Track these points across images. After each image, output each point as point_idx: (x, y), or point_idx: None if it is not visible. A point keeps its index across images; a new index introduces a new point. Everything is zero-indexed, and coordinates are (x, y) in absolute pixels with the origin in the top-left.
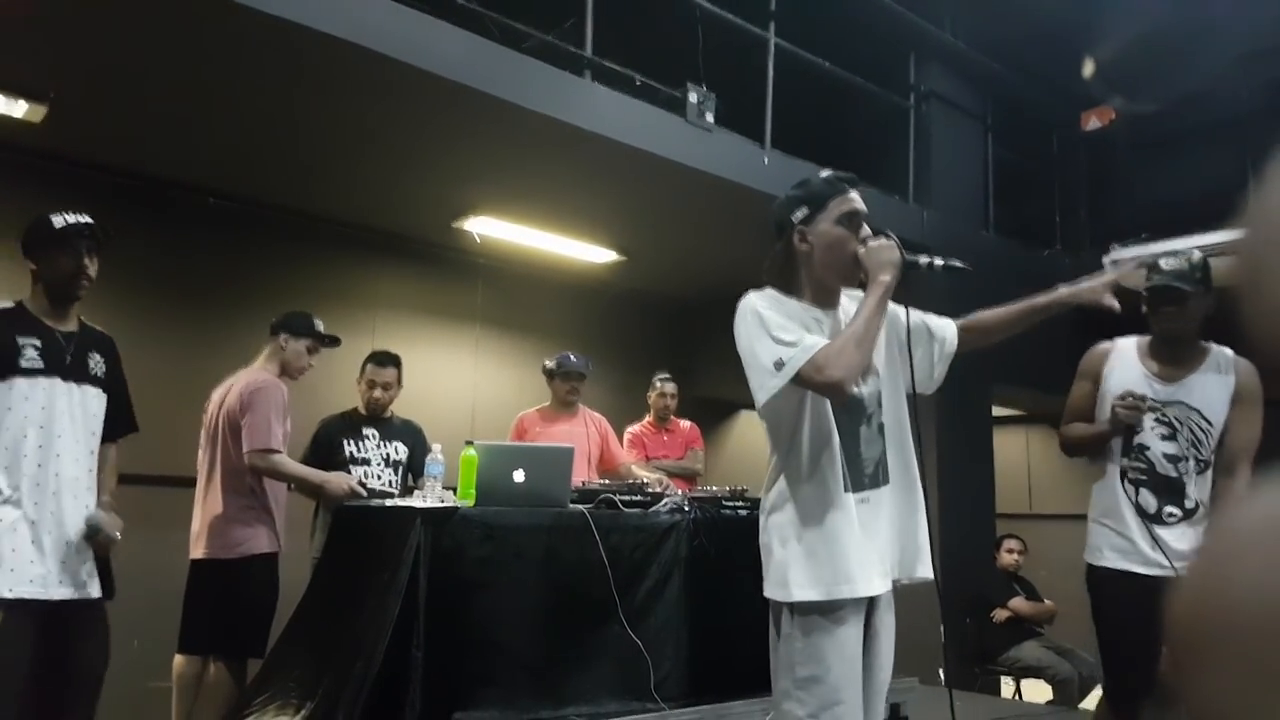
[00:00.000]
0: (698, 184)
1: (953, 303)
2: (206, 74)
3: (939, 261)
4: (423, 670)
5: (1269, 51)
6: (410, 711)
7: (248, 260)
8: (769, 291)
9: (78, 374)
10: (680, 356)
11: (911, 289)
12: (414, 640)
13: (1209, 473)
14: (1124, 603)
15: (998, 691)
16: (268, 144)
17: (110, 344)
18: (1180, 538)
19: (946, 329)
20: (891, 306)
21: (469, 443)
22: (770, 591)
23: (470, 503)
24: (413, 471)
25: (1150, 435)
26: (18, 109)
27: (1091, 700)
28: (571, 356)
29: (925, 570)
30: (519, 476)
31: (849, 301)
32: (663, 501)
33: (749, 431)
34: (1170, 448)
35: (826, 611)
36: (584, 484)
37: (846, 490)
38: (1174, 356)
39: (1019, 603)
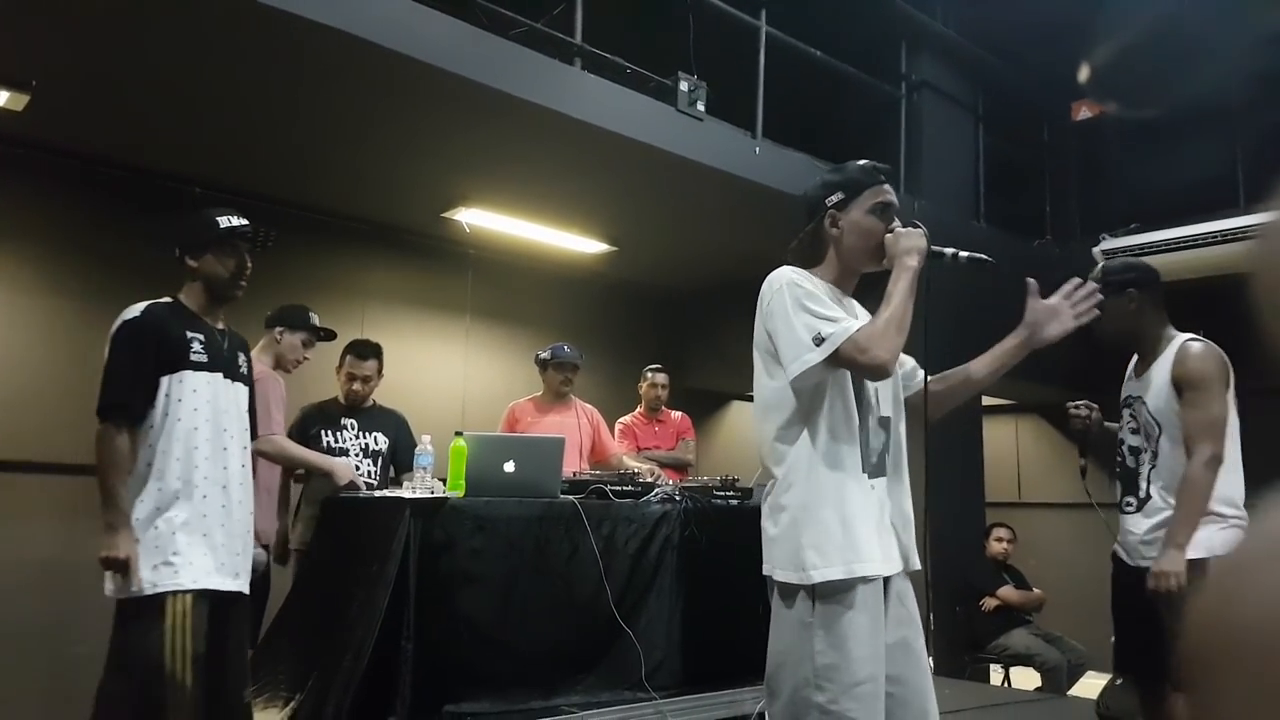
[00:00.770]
0: (688, 173)
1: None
2: (192, 63)
3: (964, 254)
4: (412, 662)
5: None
6: (400, 704)
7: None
8: (802, 270)
9: (233, 371)
10: (671, 347)
11: (930, 281)
12: (404, 632)
13: (1167, 462)
14: (1112, 587)
15: (987, 679)
16: (254, 133)
17: (247, 345)
18: (1134, 525)
19: (916, 373)
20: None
21: (458, 433)
22: (783, 575)
23: (460, 493)
24: (396, 463)
25: (1125, 430)
26: (0, 97)
27: (1080, 687)
28: (565, 347)
29: (917, 562)
30: (509, 467)
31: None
32: (654, 491)
33: (740, 422)
34: (1134, 440)
35: (846, 591)
36: (575, 474)
37: (864, 472)
38: (1141, 354)
39: (1008, 591)
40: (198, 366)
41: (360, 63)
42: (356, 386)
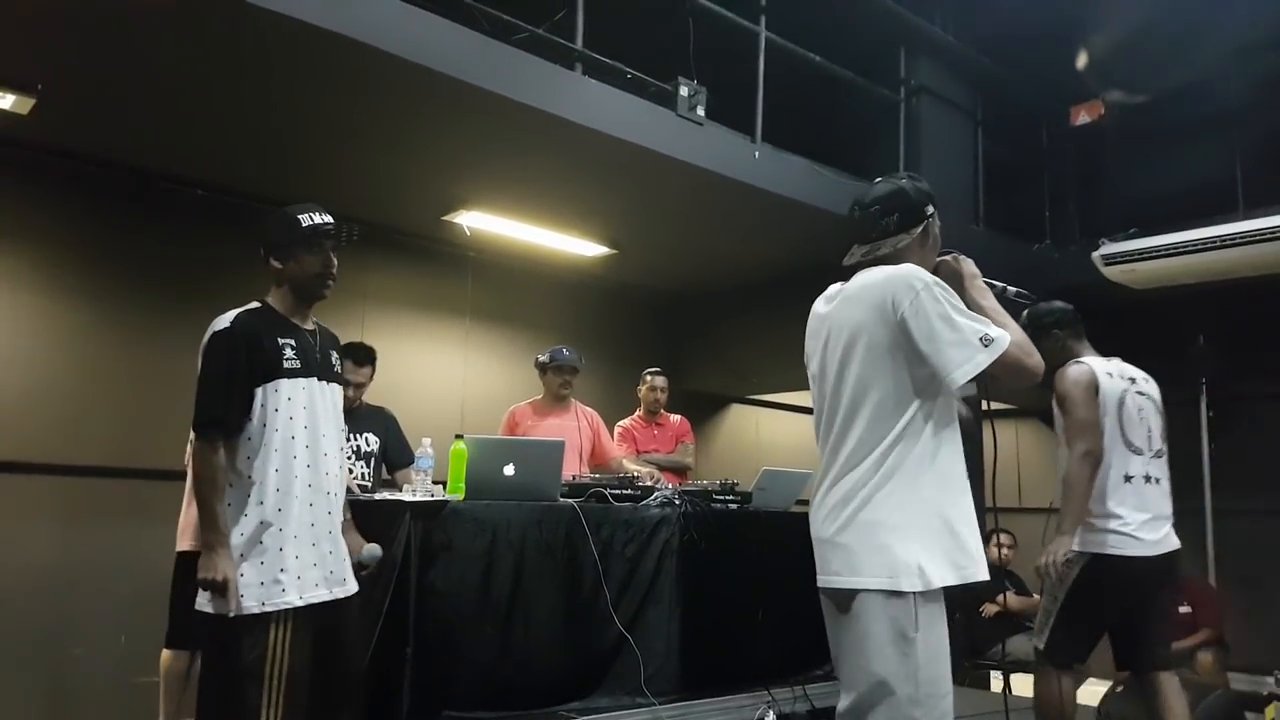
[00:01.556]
0: (688, 178)
1: None
2: (194, 67)
3: (1012, 289)
4: (412, 666)
5: (1255, 47)
6: (400, 709)
7: (236, 252)
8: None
9: (326, 372)
10: (670, 350)
11: None
12: (404, 636)
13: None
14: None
15: (987, 686)
16: (257, 136)
17: (338, 341)
18: None
19: None
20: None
21: (459, 436)
22: (889, 583)
23: (460, 497)
24: (388, 461)
25: None
26: (5, 101)
27: (1080, 694)
28: (565, 350)
29: None
30: (509, 470)
31: None
32: (653, 495)
33: (740, 425)
34: None
35: (939, 600)
36: (574, 478)
37: (966, 479)
38: None
39: (1008, 597)
40: (291, 374)
41: (363, 68)
42: (349, 392)
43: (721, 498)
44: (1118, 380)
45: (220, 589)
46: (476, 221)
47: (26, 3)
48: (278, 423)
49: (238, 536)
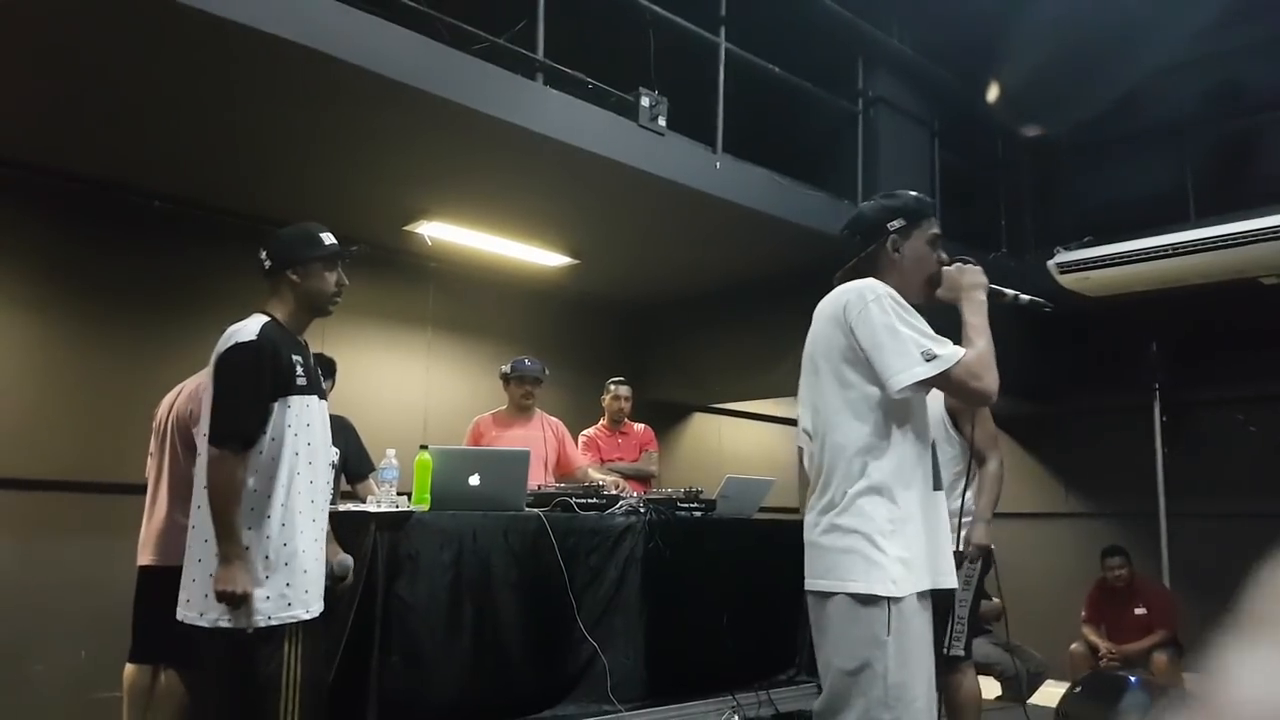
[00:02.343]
0: (650, 188)
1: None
2: (151, 75)
3: (1025, 297)
4: (379, 677)
5: (1202, 59)
6: (368, 718)
7: (194, 264)
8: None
9: (319, 390)
10: (633, 359)
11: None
12: (371, 648)
13: None
14: None
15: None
16: (214, 146)
17: (322, 358)
18: None
19: None
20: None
21: (423, 447)
22: (862, 587)
23: (425, 507)
24: (347, 471)
25: None
26: None
27: (1040, 696)
28: (526, 360)
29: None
30: (475, 481)
31: None
32: (618, 504)
33: (702, 433)
34: None
35: (917, 606)
36: (540, 487)
37: (936, 489)
38: None
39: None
40: (301, 390)
41: (323, 77)
42: None
43: (686, 505)
44: None
45: (238, 602)
46: (438, 232)
47: None
48: (287, 439)
49: (250, 552)
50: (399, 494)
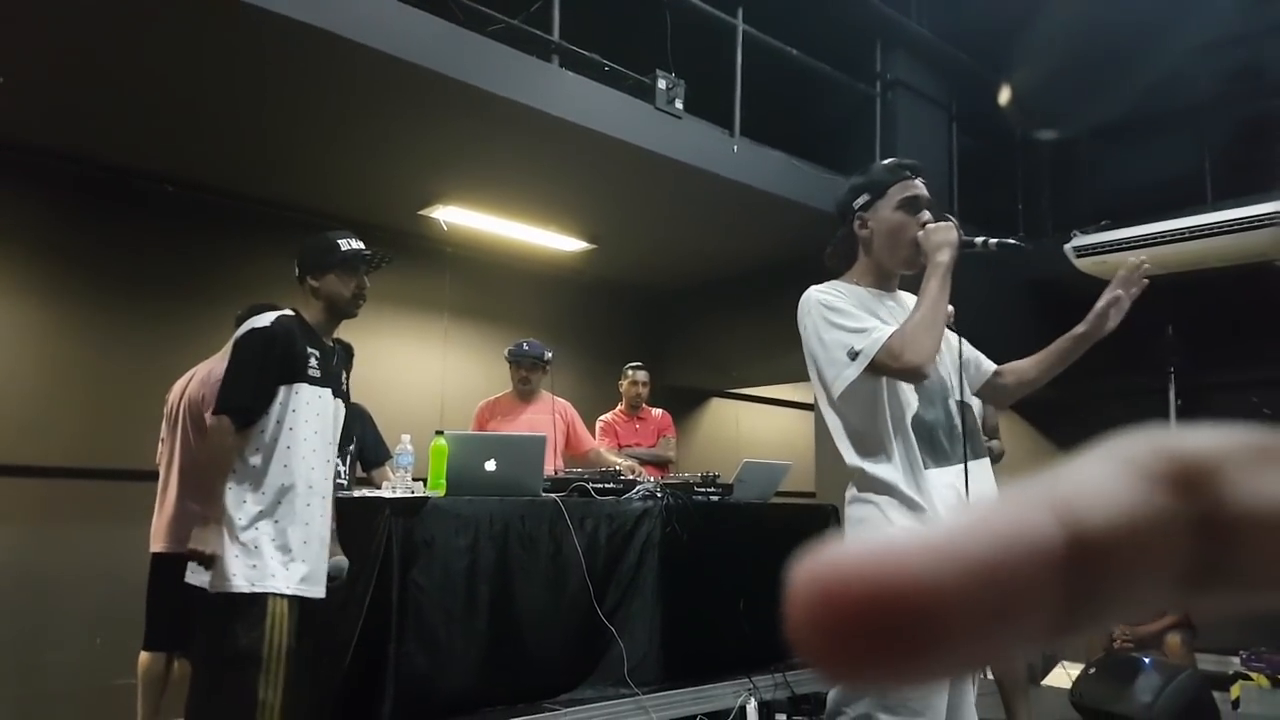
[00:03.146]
0: (667, 171)
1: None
2: (165, 60)
3: (994, 241)
4: (396, 663)
5: (1223, 41)
6: (385, 706)
7: (209, 250)
8: (831, 283)
9: (337, 388)
10: (651, 344)
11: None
12: (386, 634)
13: None
14: None
15: None
16: (229, 131)
17: (351, 360)
18: None
19: (982, 362)
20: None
21: (439, 432)
22: None
23: (441, 493)
24: (363, 458)
25: None
26: None
27: (1053, 677)
28: (525, 344)
29: None
30: (490, 466)
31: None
32: (635, 489)
33: (720, 419)
34: None
35: None
36: (556, 472)
37: (928, 467)
38: None
39: None
40: (313, 381)
41: (336, 59)
42: None
43: (703, 490)
44: None
45: (207, 562)
46: (453, 216)
47: None
48: (293, 423)
49: (237, 521)
50: (414, 479)
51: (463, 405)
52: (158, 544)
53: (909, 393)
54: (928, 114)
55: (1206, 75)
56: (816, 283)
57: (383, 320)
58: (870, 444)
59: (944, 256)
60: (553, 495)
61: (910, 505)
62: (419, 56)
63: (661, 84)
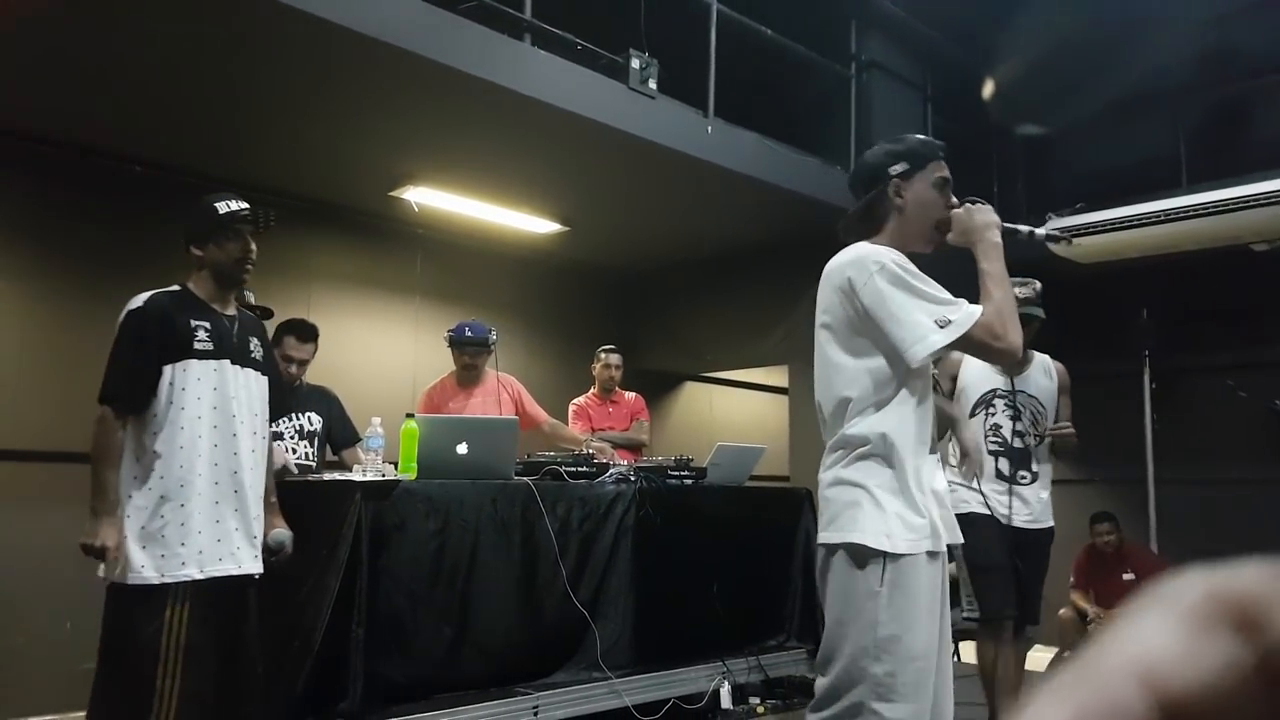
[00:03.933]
0: (640, 152)
1: None
2: (131, 37)
3: (1040, 231)
4: (364, 647)
5: (1198, 24)
6: (352, 689)
7: (177, 230)
8: (877, 246)
9: (242, 357)
10: (624, 328)
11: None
12: (355, 617)
13: (1045, 444)
14: (993, 539)
15: None
16: (196, 110)
17: (262, 328)
18: (1032, 495)
19: None
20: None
21: (410, 415)
22: (858, 539)
23: (412, 476)
24: (331, 442)
25: (1001, 416)
26: None
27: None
28: (467, 328)
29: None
30: (462, 449)
31: None
32: (609, 472)
33: (693, 402)
34: (1018, 426)
35: (917, 565)
36: (529, 455)
37: (931, 452)
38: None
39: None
40: (202, 355)
41: (304, 38)
42: (293, 369)
43: (676, 473)
44: None
45: (99, 555)
46: (424, 197)
47: None
48: (184, 401)
49: (137, 509)
50: (385, 463)
51: None
52: None
53: (930, 380)
54: (903, 96)
55: (1181, 57)
56: (791, 265)
57: (353, 302)
58: (887, 420)
59: (996, 236)
60: (525, 479)
61: (904, 490)
62: (388, 34)
63: (635, 63)
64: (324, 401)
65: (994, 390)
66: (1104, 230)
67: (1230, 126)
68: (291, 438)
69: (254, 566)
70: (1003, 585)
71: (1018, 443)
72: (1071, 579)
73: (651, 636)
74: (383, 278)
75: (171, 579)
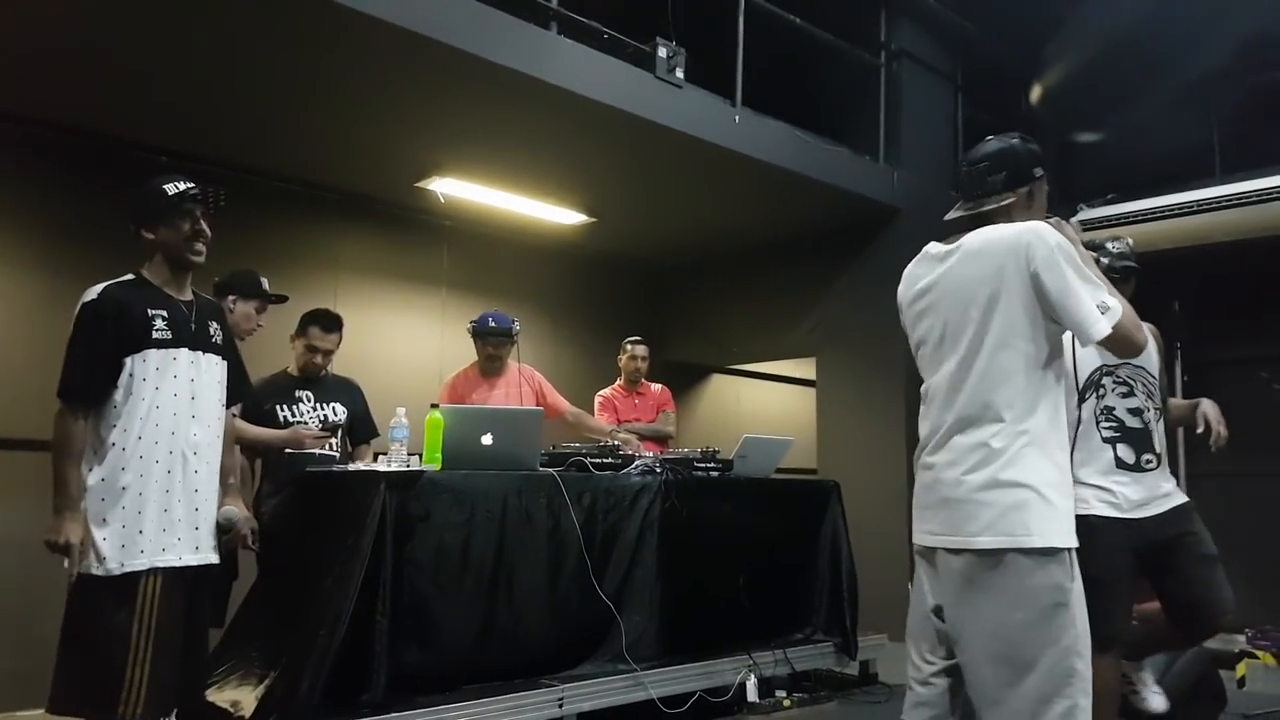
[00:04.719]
0: (667, 142)
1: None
2: (158, 27)
3: (1105, 260)
4: (388, 638)
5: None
6: (376, 680)
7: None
8: None
9: (201, 343)
10: (650, 319)
11: None
12: (379, 608)
13: (1161, 421)
14: (1117, 548)
15: None
16: (223, 100)
17: (220, 312)
18: (1159, 478)
19: None
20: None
21: (434, 406)
22: (1041, 540)
23: (437, 467)
24: (353, 433)
25: (1112, 396)
26: None
27: None
28: (491, 318)
29: None
30: (487, 440)
31: None
32: (634, 464)
33: (720, 395)
34: (1132, 403)
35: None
36: (554, 446)
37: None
38: None
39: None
40: (160, 344)
41: (331, 27)
42: (317, 359)
43: (703, 465)
44: None
45: (63, 551)
46: (451, 188)
47: None
48: (144, 392)
49: (98, 501)
50: (410, 454)
51: None
52: None
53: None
54: (933, 84)
55: (1215, 46)
56: (820, 256)
57: (379, 294)
58: (1047, 410)
59: (1086, 252)
60: (550, 470)
61: (1064, 483)
62: (415, 23)
63: (662, 52)
64: (349, 394)
65: (1100, 368)
66: (1136, 221)
67: (1266, 116)
68: (315, 425)
69: (211, 556)
70: (1125, 604)
71: (1135, 422)
72: None
73: (677, 629)
74: (409, 269)
75: (135, 568)
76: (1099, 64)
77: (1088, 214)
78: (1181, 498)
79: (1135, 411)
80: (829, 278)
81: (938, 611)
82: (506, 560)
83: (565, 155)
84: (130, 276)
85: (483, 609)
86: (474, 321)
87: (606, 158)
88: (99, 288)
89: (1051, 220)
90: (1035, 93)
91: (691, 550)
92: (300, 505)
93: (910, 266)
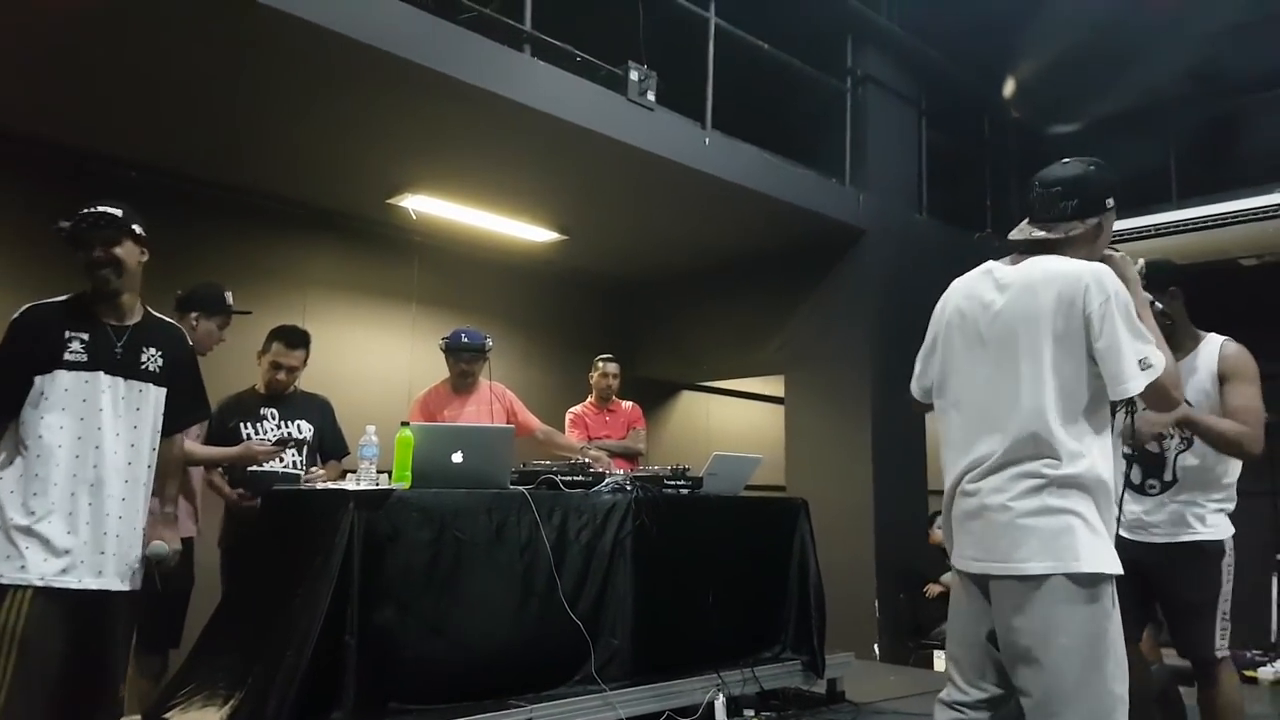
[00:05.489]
0: (638, 162)
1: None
2: (129, 43)
3: (1159, 305)
4: (356, 658)
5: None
6: (344, 700)
7: (173, 237)
8: None
9: (127, 369)
10: (621, 337)
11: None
12: (347, 628)
13: (1194, 448)
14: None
15: (931, 665)
16: (194, 115)
17: (173, 339)
18: (1156, 506)
19: None
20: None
21: (404, 423)
22: (1090, 566)
23: (406, 485)
24: (322, 451)
25: (1141, 417)
26: None
27: None
28: (463, 334)
29: None
30: (457, 458)
31: None
32: (605, 481)
33: (691, 412)
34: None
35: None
36: (525, 464)
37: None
38: (1176, 347)
39: (950, 578)
40: (72, 366)
41: (305, 46)
42: (281, 376)
43: (673, 483)
44: None
45: None
46: (422, 205)
47: None
48: (47, 410)
49: (2, 507)
50: (379, 472)
51: None
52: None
53: None
54: (898, 109)
55: (1171, 74)
56: (787, 275)
57: (349, 310)
58: (1103, 446)
59: (1141, 291)
60: (521, 488)
61: (1109, 511)
62: (389, 43)
63: (634, 75)
64: (316, 411)
65: None
66: None
67: (1221, 142)
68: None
69: (113, 584)
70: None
71: (1152, 446)
72: None
73: (647, 648)
74: (379, 285)
75: (10, 581)
76: (1061, 84)
77: None
78: (1187, 535)
79: (1157, 436)
80: (796, 296)
81: (991, 638)
82: (476, 579)
83: (538, 174)
84: (65, 297)
85: (451, 628)
86: (446, 338)
87: (579, 177)
88: (28, 305)
89: (1116, 258)
90: (997, 112)
91: (661, 568)
92: (268, 523)
93: (966, 280)
